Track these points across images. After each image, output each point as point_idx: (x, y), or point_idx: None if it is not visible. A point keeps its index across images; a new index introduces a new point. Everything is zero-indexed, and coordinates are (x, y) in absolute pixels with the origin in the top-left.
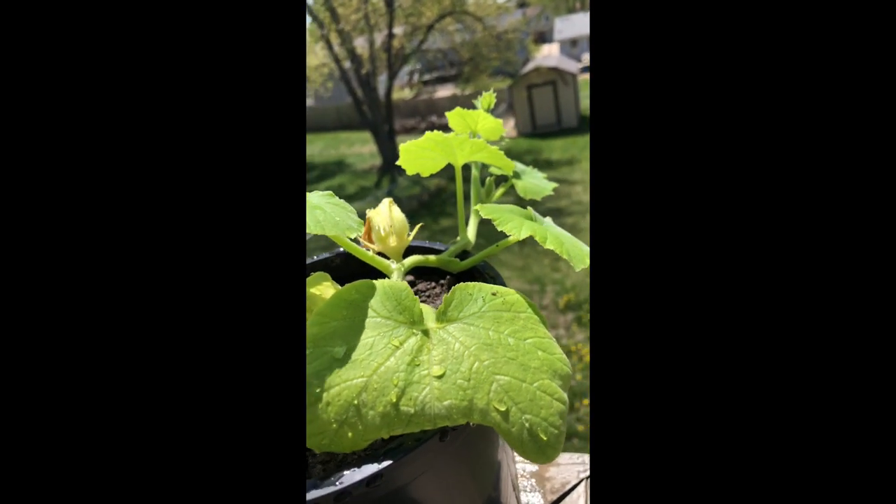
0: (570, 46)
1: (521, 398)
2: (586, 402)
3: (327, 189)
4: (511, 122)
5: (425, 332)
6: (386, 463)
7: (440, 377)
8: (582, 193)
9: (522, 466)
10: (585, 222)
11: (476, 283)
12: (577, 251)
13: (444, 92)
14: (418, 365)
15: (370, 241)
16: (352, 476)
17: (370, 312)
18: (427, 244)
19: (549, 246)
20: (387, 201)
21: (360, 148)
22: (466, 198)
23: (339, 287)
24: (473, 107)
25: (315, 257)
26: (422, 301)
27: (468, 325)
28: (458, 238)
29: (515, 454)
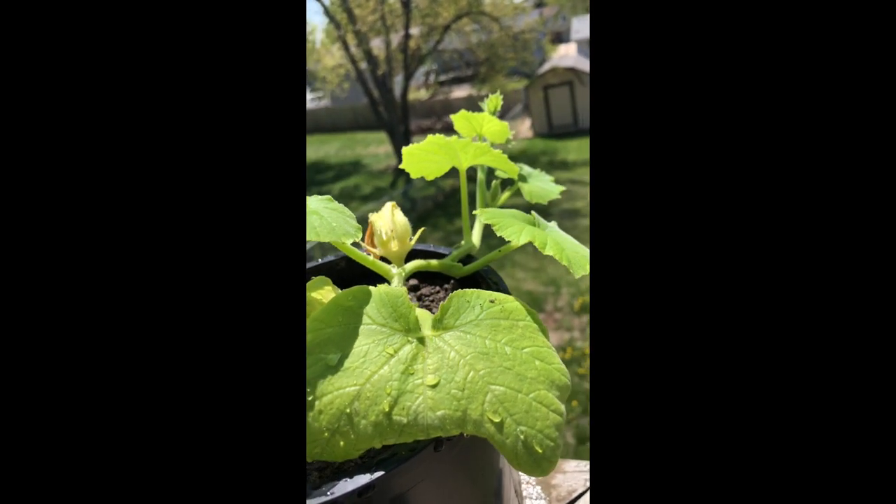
0: (587, 46)
1: (516, 409)
2: None
3: (343, 189)
4: (527, 123)
5: (421, 340)
6: (378, 474)
7: (434, 386)
8: None
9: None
10: None
11: (475, 290)
12: (577, 257)
13: (461, 92)
14: (412, 374)
15: (373, 245)
16: (343, 486)
17: (365, 319)
18: (432, 248)
19: (548, 252)
20: (389, 205)
21: (376, 148)
22: (474, 200)
23: (339, 291)
24: None
25: (319, 260)
26: (425, 305)
27: (464, 333)
28: (463, 242)
29: None
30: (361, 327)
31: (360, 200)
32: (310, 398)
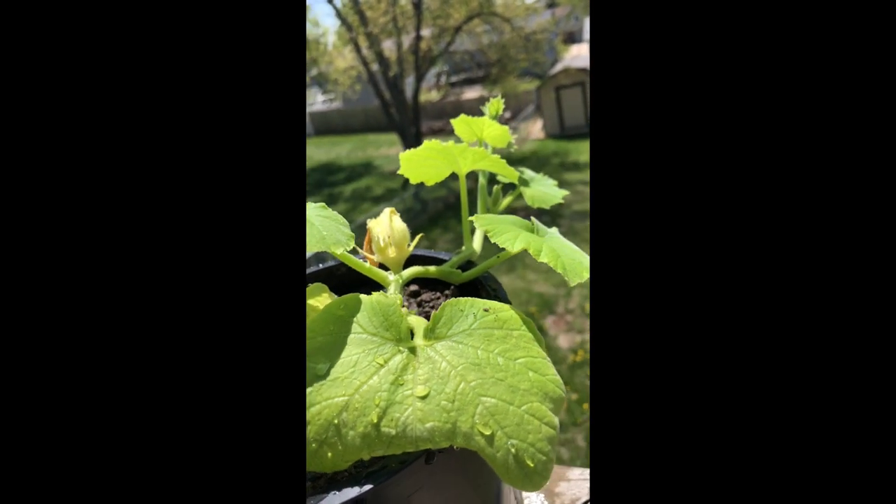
0: None
1: (507, 422)
2: None
3: (354, 190)
4: (539, 124)
5: (412, 350)
6: (367, 487)
7: (424, 398)
8: None
9: None
10: None
11: (469, 298)
12: (574, 264)
13: (472, 93)
14: (402, 384)
15: (371, 251)
16: (331, 501)
17: (356, 328)
18: (432, 253)
19: (542, 259)
20: (387, 211)
21: (388, 150)
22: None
23: (336, 297)
24: None
25: (320, 265)
26: (425, 311)
27: (457, 343)
28: (463, 248)
29: None
30: (352, 336)
31: (372, 202)
32: None
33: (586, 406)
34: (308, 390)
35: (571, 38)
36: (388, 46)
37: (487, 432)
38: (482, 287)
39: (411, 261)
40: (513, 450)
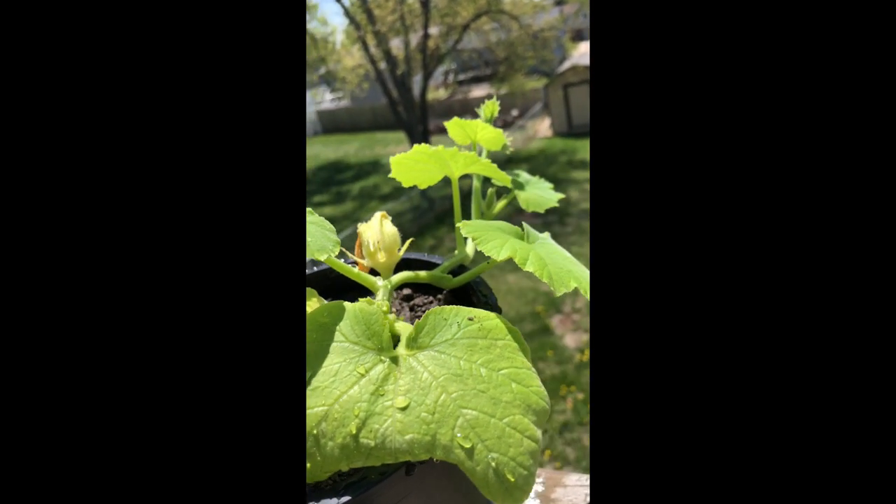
0: None
1: (488, 435)
2: None
3: (362, 188)
4: (547, 122)
5: (394, 360)
6: (345, 498)
7: (404, 409)
8: None
9: None
10: None
11: (453, 306)
12: (561, 273)
13: (479, 91)
14: (383, 395)
15: (362, 255)
16: None
17: (338, 336)
18: (425, 257)
19: (528, 268)
20: (378, 215)
21: (395, 148)
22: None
23: (325, 302)
24: (508, 107)
25: (315, 268)
26: (418, 316)
27: (439, 353)
28: (456, 252)
29: None
30: (334, 345)
31: (380, 200)
32: None
33: None
34: None
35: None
36: (395, 45)
37: (468, 445)
38: (473, 292)
39: (404, 265)
40: (493, 463)
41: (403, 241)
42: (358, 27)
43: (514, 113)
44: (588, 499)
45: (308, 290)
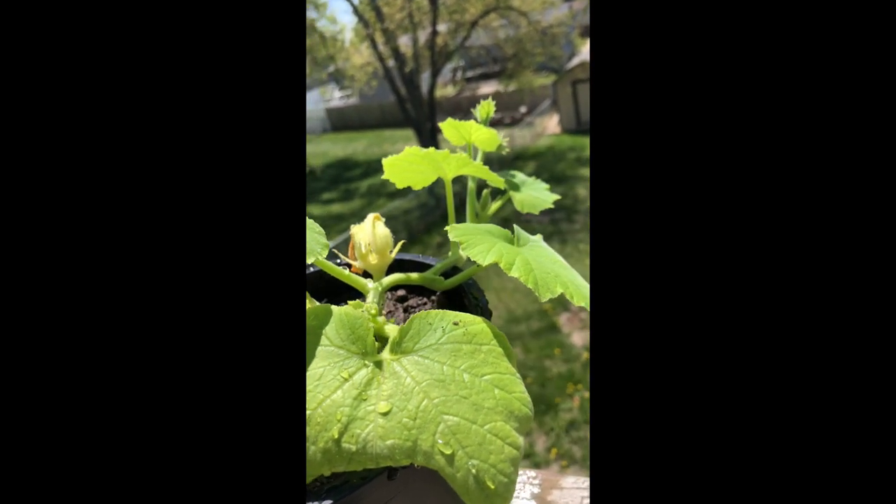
0: None
1: (469, 441)
2: None
3: (370, 186)
4: (555, 119)
5: (378, 364)
6: (327, 502)
7: (385, 414)
8: None
9: (520, 487)
10: None
11: (439, 311)
12: (547, 279)
13: (488, 88)
14: (365, 399)
15: (355, 257)
16: None
17: (323, 340)
18: (419, 258)
19: (513, 274)
20: (370, 217)
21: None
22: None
23: (317, 303)
24: (517, 103)
25: (312, 268)
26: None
27: (423, 358)
28: (450, 253)
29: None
30: (319, 349)
31: (387, 197)
32: None
33: None
34: None
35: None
36: (404, 42)
37: (448, 452)
38: (465, 294)
39: (397, 266)
40: (473, 470)
41: (413, 239)
42: (367, 25)
43: (523, 110)
44: (584, 501)
45: None
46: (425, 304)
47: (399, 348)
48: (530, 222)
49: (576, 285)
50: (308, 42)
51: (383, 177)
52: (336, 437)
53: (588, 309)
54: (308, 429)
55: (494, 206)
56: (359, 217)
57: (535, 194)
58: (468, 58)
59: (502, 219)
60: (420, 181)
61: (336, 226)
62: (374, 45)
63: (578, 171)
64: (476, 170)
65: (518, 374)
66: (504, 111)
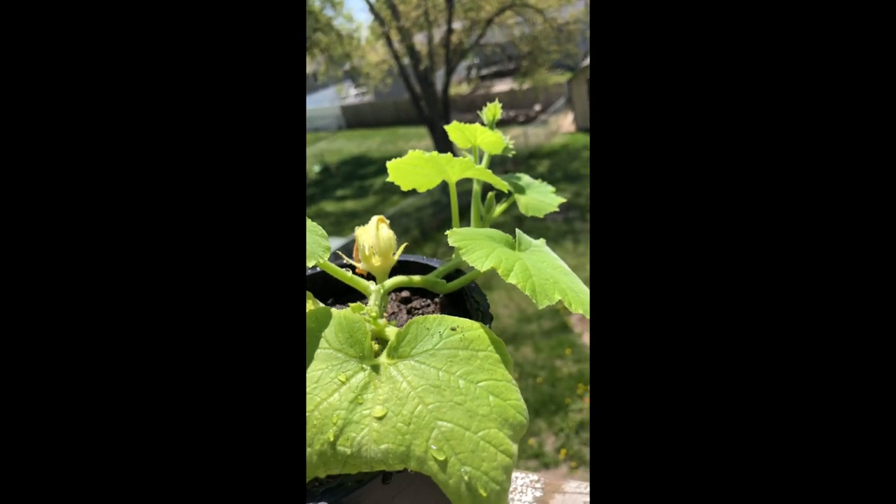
0: None
1: (462, 448)
2: None
3: (384, 184)
4: (570, 117)
5: (375, 368)
6: None
7: (380, 418)
8: None
9: (522, 491)
10: None
11: (437, 315)
12: (546, 286)
13: (502, 86)
14: (361, 403)
15: (359, 259)
16: None
17: (322, 343)
18: (423, 260)
19: (511, 280)
20: (374, 219)
21: (417, 143)
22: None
23: (320, 304)
24: (531, 101)
25: (318, 269)
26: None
27: (419, 363)
28: (453, 255)
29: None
30: (318, 351)
31: (401, 195)
32: None
33: None
34: None
35: None
36: (419, 40)
37: (441, 458)
38: (467, 297)
39: (401, 267)
40: (466, 477)
41: (426, 236)
42: (382, 23)
43: (537, 108)
44: None
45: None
46: (429, 305)
47: (396, 353)
48: (544, 221)
49: (575, 292)
50: (325, 40)
51: (387, 179)
52: (332, 439)
53: (587, 317)
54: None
55: (499, 208)
56: (372, 214)
57: (540, 197)
58: (483, 55)
59: (516, 218)
60: (425, 184)
61: (350, 222)
62: (389, 42)
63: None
64: (479, 173)
65: (514, 382)
66: (518, 109)
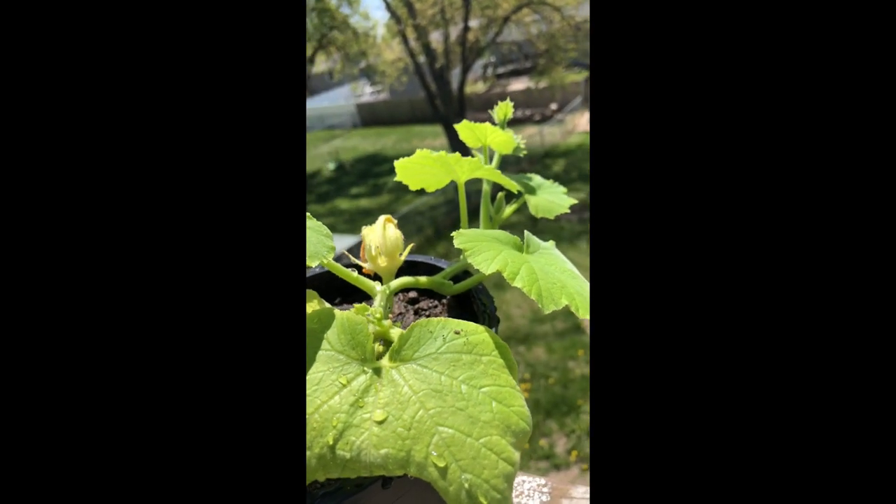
0: None
1: (462, 455)
2: None
3: (398, 182)
4: (586, 116)
5: (377, 371)
6: None
7: (381, 423)
8: None
9: (529, 496)
10: None
11: (441, 318)
12: (553, 290)
13: (518, 85)
14: (362, 407)
15: (365, 259)
16: None
17: (324, 344)
18: (431, 260)
19: (516, 284)
20: (382, 219)
21: (432, 141)
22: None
23: (326, 304)
24: (548, 100)
25: (321, 269)
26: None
27: (421, 367)
28: (461, 256)
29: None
30: (320, 353)
31: (415, 193)
32: None
33: None
34: None
35: None
36: (435, 38)
37: (441, 464)
38: (474, 299)
39: (409, 267)
40: (466, 485)
41: (439, 235)
42: (398, 21)
43: (554, 107)
44: None
45: (308, 292)
46: (436, 306)
47: (398, 356)
48: (559, 221)
49: (583, 297)
50: (341, 38)
51: (395, 178)
52: (331, 443)
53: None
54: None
55: (509, 209)
56: (387, 212)
57: (552, 198)
58: (499, 54)
59: (530, 218)
60: (433, 183)
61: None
62: (405, 40)
63: None
64: (488, 173)
65: (518, 388)
66: (534, 108)
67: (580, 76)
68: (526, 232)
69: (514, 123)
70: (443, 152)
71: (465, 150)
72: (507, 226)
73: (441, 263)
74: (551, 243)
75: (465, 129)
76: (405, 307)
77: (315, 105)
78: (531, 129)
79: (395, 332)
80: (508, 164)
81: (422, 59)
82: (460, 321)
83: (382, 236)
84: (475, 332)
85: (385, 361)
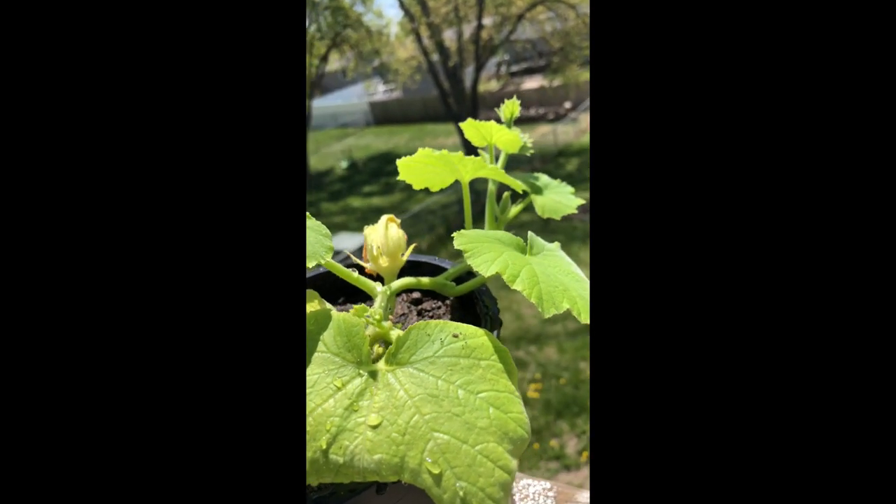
0: None
1: (458, 462)
2: None
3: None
4: None
5: (373, 375)
6: None
7: (375, 427)
8: None
9: (534, 500)
10: None
11: (439, 321)
12: (554, 293)
13: (532, 83)
14: (356, 410)
15: (367, 259)
16: None
17: (320, 346)
18: (435, 261)
19: (516, 287)
20: (384, 219)
21: (445, 140)
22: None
23: (327, 304)
24: (561, 99)
25: (321, 268)
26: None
27: (418, 370)
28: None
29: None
30: (315, 354)
31: (426, 192)
32: None
33: None
34: None
35: None
36: (448, 36)
37: (436, 471)
38: (477, 301)
39: (412, 267)
40: (461, 492)
41: (451, 234)
42: (412, 19)
43: (567, 105)
44: None
45: (309, 291)
46: (440, 307)
47: (395, 359)
48: (571, 221)
49: (585, 300)
50: (354, 36)
51: (398, 177)
52: (324, 447)
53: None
54: None
55: (515, 209)
56: (398, 210)
57: (558, 198)
58: (513, 52)
59: (541, 218)
60: (437, 183)
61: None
62: (418, 38)
63: None
64: (492, 173)
65: (517, 393)
66: (548, 107)
67: None
68: (530, 233)
69: (527, 122)
70: (445, 151)
71: (475, 148)
72: (517, 225)
73: (445, 264)
74: (556, 244)
75: (470, 127)
76: (409, 308)
77: (328, 103)
78: (545, 128)
79: (395, 334)
80: (520, 162)
81: (435, 57)
82: (459, 324)
83: (384, 236)
84: (474, 335)
85: (381, 364)
